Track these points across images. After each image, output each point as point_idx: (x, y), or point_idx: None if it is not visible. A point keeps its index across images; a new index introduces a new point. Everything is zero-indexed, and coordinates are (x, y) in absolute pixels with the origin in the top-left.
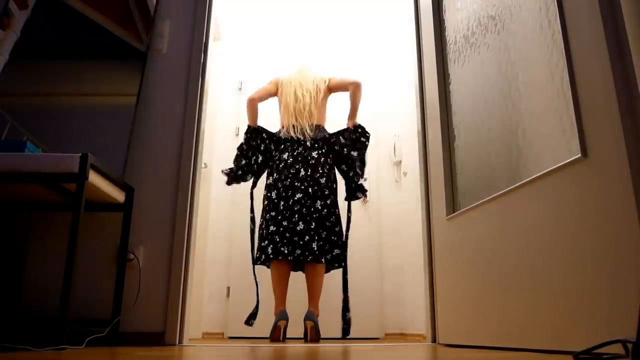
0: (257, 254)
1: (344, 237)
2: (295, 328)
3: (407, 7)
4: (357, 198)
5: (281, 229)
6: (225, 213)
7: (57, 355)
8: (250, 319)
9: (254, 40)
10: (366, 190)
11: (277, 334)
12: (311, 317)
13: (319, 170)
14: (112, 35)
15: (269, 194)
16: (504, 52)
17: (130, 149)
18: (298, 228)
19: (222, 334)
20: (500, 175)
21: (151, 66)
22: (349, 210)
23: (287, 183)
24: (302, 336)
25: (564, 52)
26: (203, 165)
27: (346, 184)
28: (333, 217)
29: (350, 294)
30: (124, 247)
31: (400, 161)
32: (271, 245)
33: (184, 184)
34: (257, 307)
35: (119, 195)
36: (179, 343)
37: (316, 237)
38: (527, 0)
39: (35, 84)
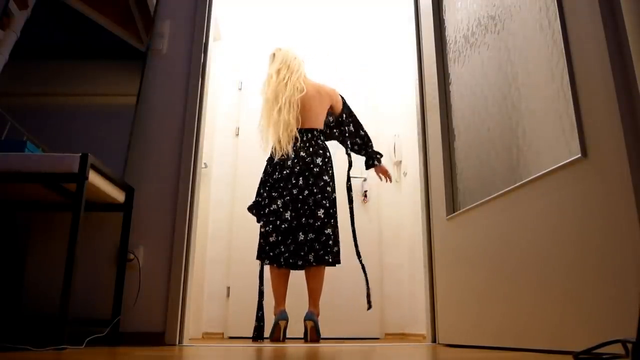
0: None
1: (337, 235)
2: (295, 328)
3: (407, 7)
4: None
5: (281, 237)
6: (225, 213)
7: (57, 355)
8: (258, 335)
9: (254, 40)
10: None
11: (277, 334)
12: (311, 317)
13: (313, 170)
14: (112, 35)
15: (270, 198)
16: (504, 52)
17: (130, 149)
18: (298, 238)
19: (222, 334)
20: (500, 175)
21: (151, 66)
22: (351, 213)
23: (283, 182)
24: (302, 336)
25: (564, 52)
26: (203, 165)
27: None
28: (327, 217)
29: (350, 294)
30: (124, 247)
31: (400, 161)
32: (271, 253)
33: (184, 184)
34: (260, 320)
35: (119, 195)
36: (179, 343)
37: (315, 246)
38: (527, 0)
39: (35, 84)
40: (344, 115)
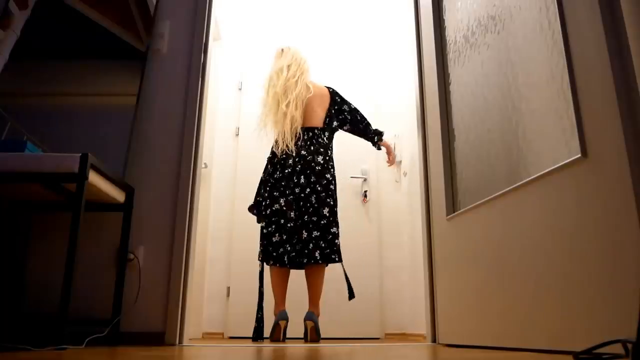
0: (259, 254)
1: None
2: (295, 328)
3: (407, 7)
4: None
5: (286, 236)
6: (225, 213)
7: (57, 355)
8: (257, 336)
9: (254, 40)
10: (379, 133)
11: (277, 334)
12: (311, 317)
13: (314, 168)
14: (112, 35)
15: (272, 198)
16: (504, 52)
17: (130, 149)
18: (302, 237)
19: (222, 334)
20: (500, 175)
21: (151, 66)
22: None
23: (286, 180)
24: (302, 336)
25: (564, 52)
26: (203, 165)
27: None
28: (332, 216)
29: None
30: (124, 247)
31: (400, 161)
32: (274, 254)
33: (184, 184)
34: (259, 320)
35: (119, 195)
36: (179, 343)
37: (321, 244)
38: (527, 0)
39: (35, 84)
40: (337, 103)
